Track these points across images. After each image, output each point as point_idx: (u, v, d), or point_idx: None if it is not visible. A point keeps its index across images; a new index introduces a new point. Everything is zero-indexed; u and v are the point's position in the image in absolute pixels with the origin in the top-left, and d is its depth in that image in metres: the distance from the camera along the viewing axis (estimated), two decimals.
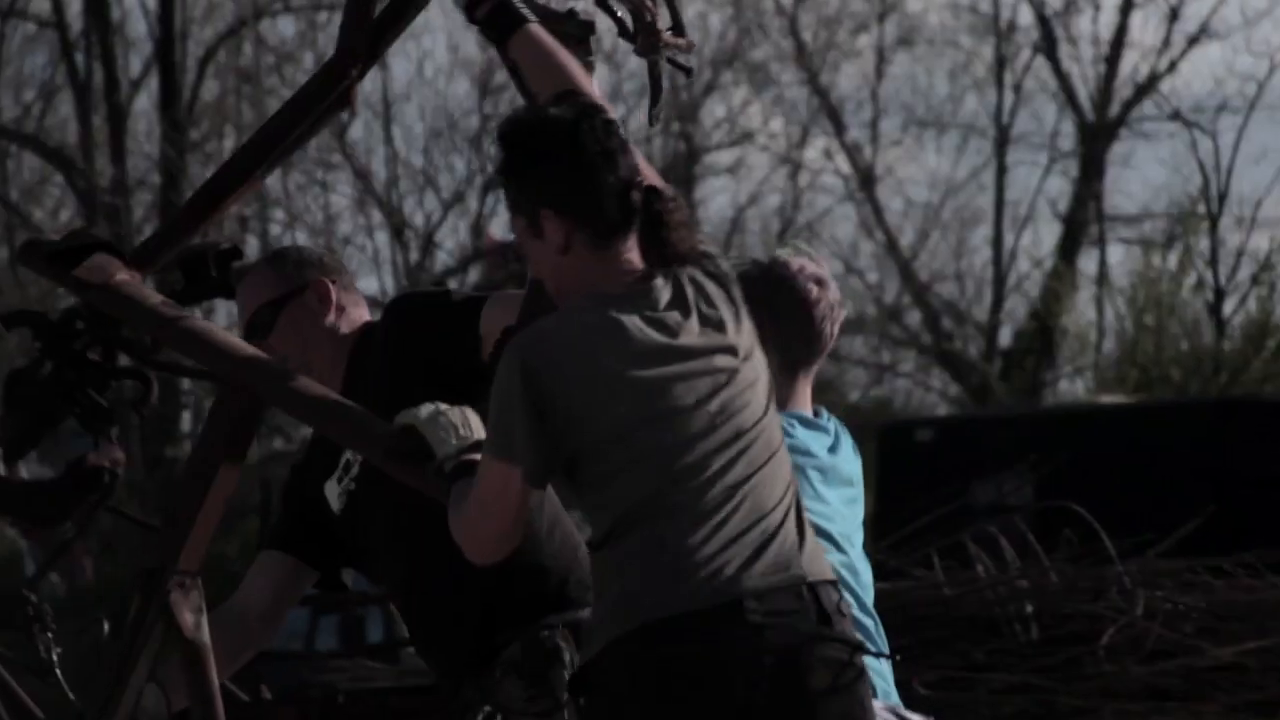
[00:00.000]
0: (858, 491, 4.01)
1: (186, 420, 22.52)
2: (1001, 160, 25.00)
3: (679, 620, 3.25)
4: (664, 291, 3.42)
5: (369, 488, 4.01)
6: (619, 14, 3.93)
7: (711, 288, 3.45)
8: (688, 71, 4.21)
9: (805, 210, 25.20)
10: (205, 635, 3.89)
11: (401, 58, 22.10)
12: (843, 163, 24.80)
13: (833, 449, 3.94)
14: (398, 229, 22.64)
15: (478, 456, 3.47)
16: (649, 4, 3.94)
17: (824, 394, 22.14)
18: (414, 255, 22.63)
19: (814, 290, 3.89)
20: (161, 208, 22.54)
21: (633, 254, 3.42)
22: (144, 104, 23.79)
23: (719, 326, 3.43)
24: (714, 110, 24.11)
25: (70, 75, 23.31)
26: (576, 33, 3.93)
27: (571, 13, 3.93)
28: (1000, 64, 24.89)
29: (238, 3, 23.24)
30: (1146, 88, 24.01)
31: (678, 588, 3.27)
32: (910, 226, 25.08)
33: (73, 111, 23.57)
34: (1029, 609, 7.42)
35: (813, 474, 3.85)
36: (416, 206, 23.00)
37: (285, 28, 26.58)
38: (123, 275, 3.96)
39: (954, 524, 8.39)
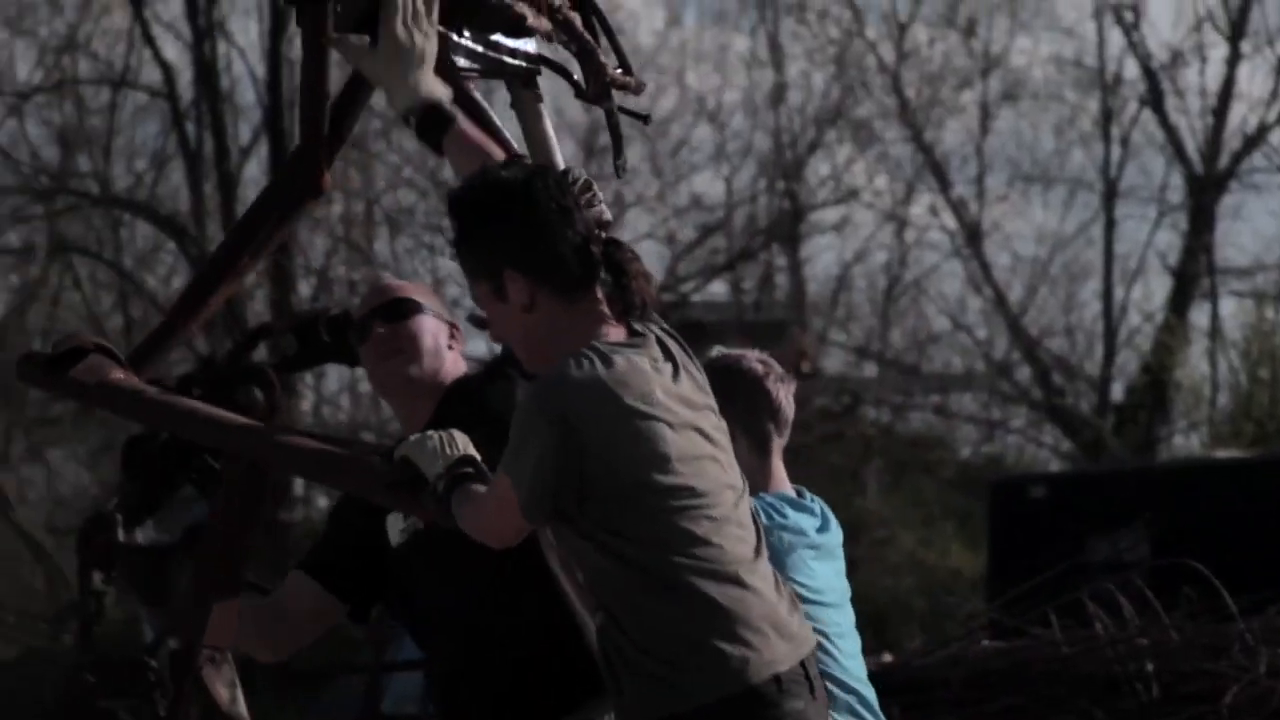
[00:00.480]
0: (843, 564, 4.18)
1: (299, 482, 22.66)
2: (1110, 214, 24.84)
3: (730, 702, 3.33)
4: (653, 345, 3.48)
5: (439, 544, 3.92)
6: (572, 74, 3.94)
7: (677, 346, 3.53)
8: (644, 119, 4.20)
9: (912, 267, 25.11)
10: (241, 708, 3.87)
11: (508, 122, 22.07)
12: (949, 219, 24.71)
13: (821, 529, 4.10)
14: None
15: (469, 470, 3.49)
16: (593, 44, 3.94)
17: (933, 450, 22.03)
18: None
19: (760, 367, 4.08)
20: (271, 273, 22.75)
21: (601, 307, 3.46)
22: (254, 171, 24.03)
23: (702, 385, 3.51)
24: (818, 168, 24.10)
25: (181, 144, 23.58)
26: (522, 74, 3.94)
27: (515, 53, 3.93)
28: (1107, 118, 24.75)
29: (344, 70, 23.43)
30: (1256, 140, 23.80)
31: (727, 664, 3.34)
32: (1018, 282, 24.94)
33: (184, 179, 23.82)
34: (1149, 667, 7.33)
35: (806, 553, 3.99)
36: None
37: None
38: (118, 374, 3.98)
39: (1069, 581, 8.31)
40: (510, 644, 3.83)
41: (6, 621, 21.92)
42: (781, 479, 4.08)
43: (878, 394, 20.26)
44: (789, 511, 4.02)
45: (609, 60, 3.93)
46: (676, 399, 3.44)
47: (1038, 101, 25.41)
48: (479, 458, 3.52)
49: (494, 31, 3.89)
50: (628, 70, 3.98)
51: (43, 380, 4.08)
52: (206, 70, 22.84)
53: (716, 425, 3.50)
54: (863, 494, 16.37)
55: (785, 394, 4.08)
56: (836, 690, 3.92)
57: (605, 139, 22.86)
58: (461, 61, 3.89)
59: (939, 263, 25.56)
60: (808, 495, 4.13)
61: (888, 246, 25.30)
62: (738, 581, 3.38)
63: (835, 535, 4.13)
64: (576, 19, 3.90)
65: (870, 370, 23.79)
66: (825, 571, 4.05)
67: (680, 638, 3.35)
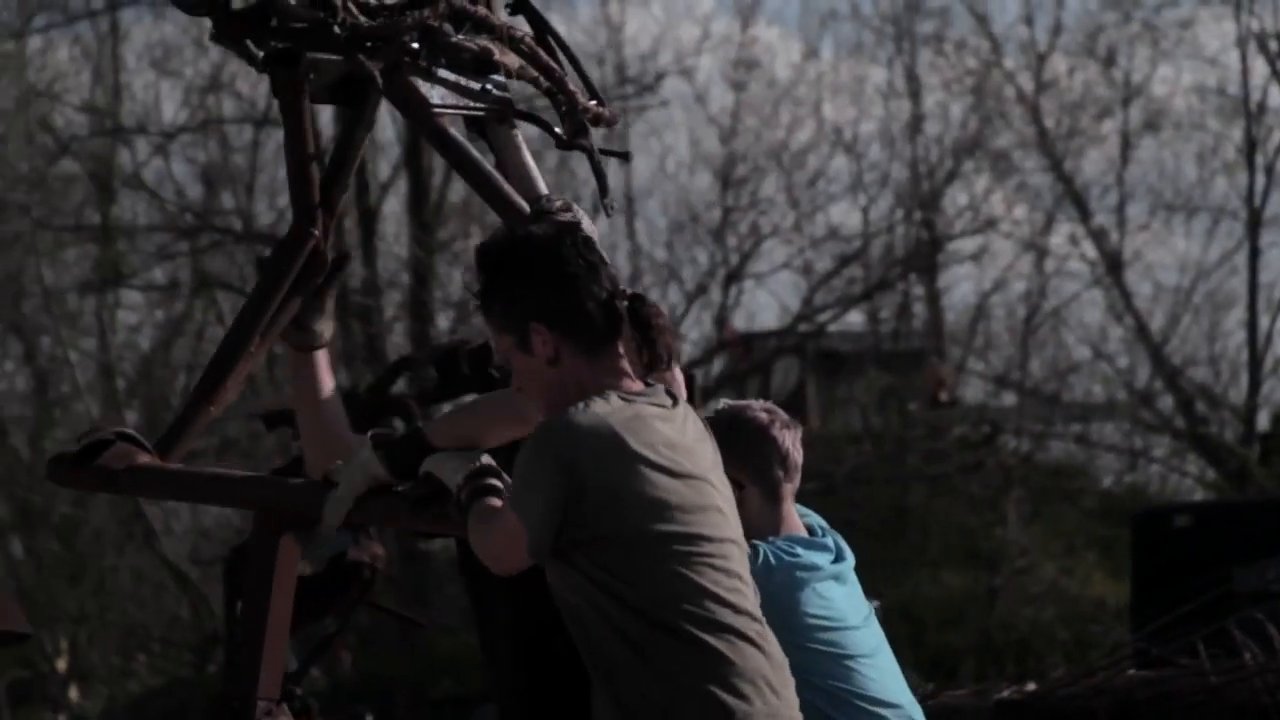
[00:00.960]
0: (859, 589, 4.26)
1: None
2: (1254, 242, 24.53)
3: None
4: (662, 394, 3.57)
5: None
6: (547, 122, 3.95)
7: (684, 402, 3.62)
8: (625, 157, 4.20)
9: (1051, 296, 24.93)
10: None
11: (645, 154, 22.20)
12: (1089, 248, 24.52)
13: (836, 560, 4.17)
14: None
15: (490, 481, 3.58)
16: (561, 73, 3.93)
17: (1074, 479, 21.84)
18: None
19: (764, 416, 4.13)
20: (411, 307, 22.91)
21: (622, 361, 3.55)
22: (393, 206, 24.25)
23: (708, 438, 3.59)
24: (956, 198, 24.01)
25: None
26: (494, 112, 3.96)
27: (485, 91, 3.94)
28: (1251, 146, 24.45)
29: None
30: None
31: (722, 714, 3.39)
32: (1160, 311, 24.69)
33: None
34: None
35: (821, 585, 4.07)
36: (660, 299, 23.12)
37: (530, 129, 26.82)
38: (144, 458, 4.00)
39: (1215, 611, 8.21)
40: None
41: (153, 650, 22.19)
42: (794, 523, 4.16)
43: (1018, 423, 20.12)
44: (800, 550, 4.10)
45: (579, 90, 3.94)
46: (683, 450, 3.51)
47: (1180, 130, 25.17)
48: (499, 470, 3.61)
49: (462, 69, 3.90)
50: (599, 101, 4.00)
51: (71, 476, 4.04)
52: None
53: (722, 479, 3.58)
54: (1003, 524, 16.25)
55: (793, 441, 4.16)
56: (877, 709, 4.03)
57: (743, 170, 22.91)
58: (435, 98, 3.92)
59: (1079, 291, 25.36)
60: (821, 530, 4.22)
61: (1027, 276, 25.15)
62: (736, 633, 3.45)
63: (850, 563, 4.22)
64: (541, 52, 3.93)
65: (1010, 399, 23.63)
66: (841, 595, 4.13)
67: (677, 686, 3.40)
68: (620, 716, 3.44)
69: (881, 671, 4.11)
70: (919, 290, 23.72)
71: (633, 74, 23.76)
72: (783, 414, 4.19)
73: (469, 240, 23.64)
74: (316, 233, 3.96)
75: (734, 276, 22.83)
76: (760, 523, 3.90)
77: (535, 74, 3.91)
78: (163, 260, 23.28)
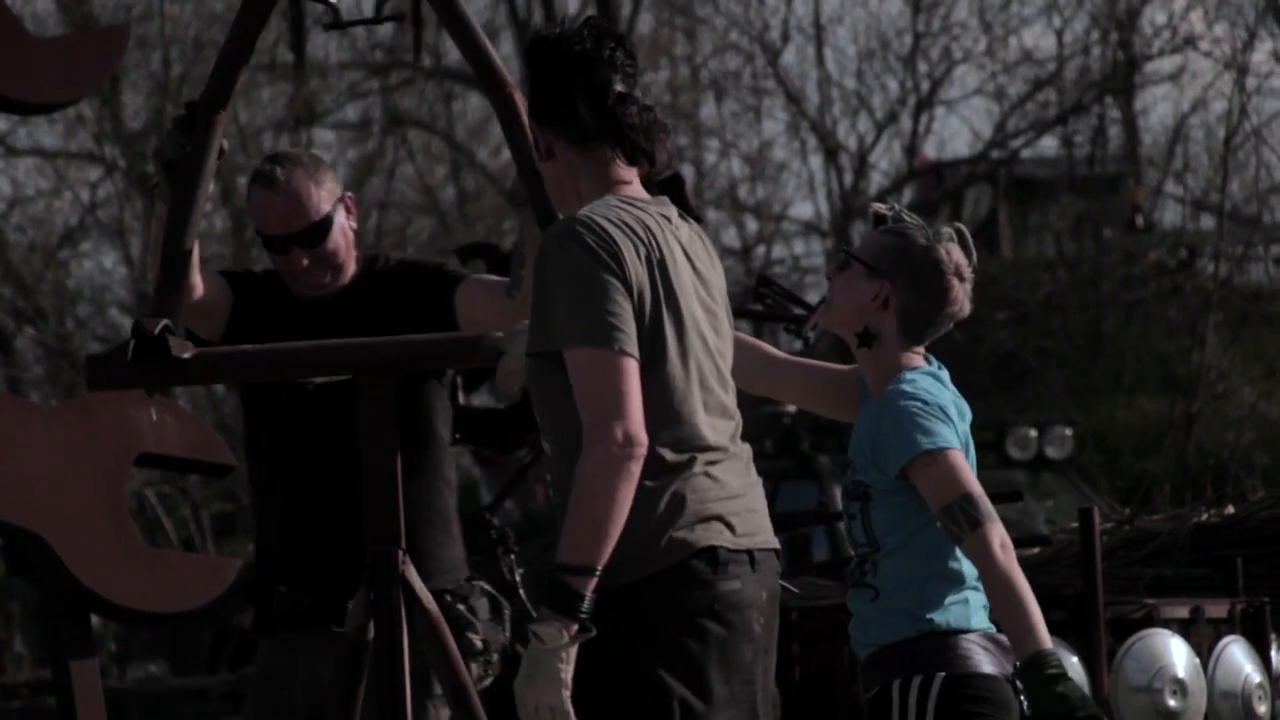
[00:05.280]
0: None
1: None
2: None
3: (657, 580, 3.45)
4: (667, 205, 3.63)
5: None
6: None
7: (690, 226, 3.66)
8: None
9: (1252, 116, 24.39)
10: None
11: None
12: None
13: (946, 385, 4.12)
14: (831, 152, 22.61)
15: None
16: None
17: (1274, 302, 21.42)
18: (848, 178, 22.59)
19: (955, 285, 4.04)
20: None
21: (618, 159, 3.61)
22: None
23: (711, 252, 3.67)
24: (1154, 17, 23.53)
25: (511, 15, 23.85)
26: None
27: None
28: None
29: None
30: None
31: (728, 532, 3.50)
32: None
33: (514, 50, 24.12)
34: None
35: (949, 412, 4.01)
36: (850, 129, 22.95)
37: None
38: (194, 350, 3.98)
39: None
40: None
41: None
42: (918, 360, 4.08)
43: (1216, 246, 19.75)
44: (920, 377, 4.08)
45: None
46: (684, 258, 3.57)
47: None
48: None
49: None
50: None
51: (126, 376, 3.93)
52: None
53: (720, 289, 3.64)
54: (1201, 348, 16.04)
55: (957, 316, 4.08)
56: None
57: None
58: None
59: None
60: (934, 361, 4.15)
61: (1226, 95, 24.62)
62: (699, 459, 3.52)
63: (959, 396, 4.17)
64: None
65: (1208, 223, 23.23)
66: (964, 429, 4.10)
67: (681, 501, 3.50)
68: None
69: None
70: (1115, 113, 23.30)
71: None
72: (968, 288, 4.09)
73: (658, 73, 23.57)
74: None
75: (925, 104, 22.56)
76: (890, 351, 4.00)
77: None
78: (354, 99, 23.46)
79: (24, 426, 4.61)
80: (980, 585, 3.94)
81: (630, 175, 3.62)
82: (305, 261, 4.53)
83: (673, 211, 3.64)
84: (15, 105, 4.55)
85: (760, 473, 3.70)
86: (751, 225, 22.97)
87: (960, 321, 4.14)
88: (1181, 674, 6.25)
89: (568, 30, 3.63)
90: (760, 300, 5.33)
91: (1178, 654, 6.27)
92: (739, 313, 4.40)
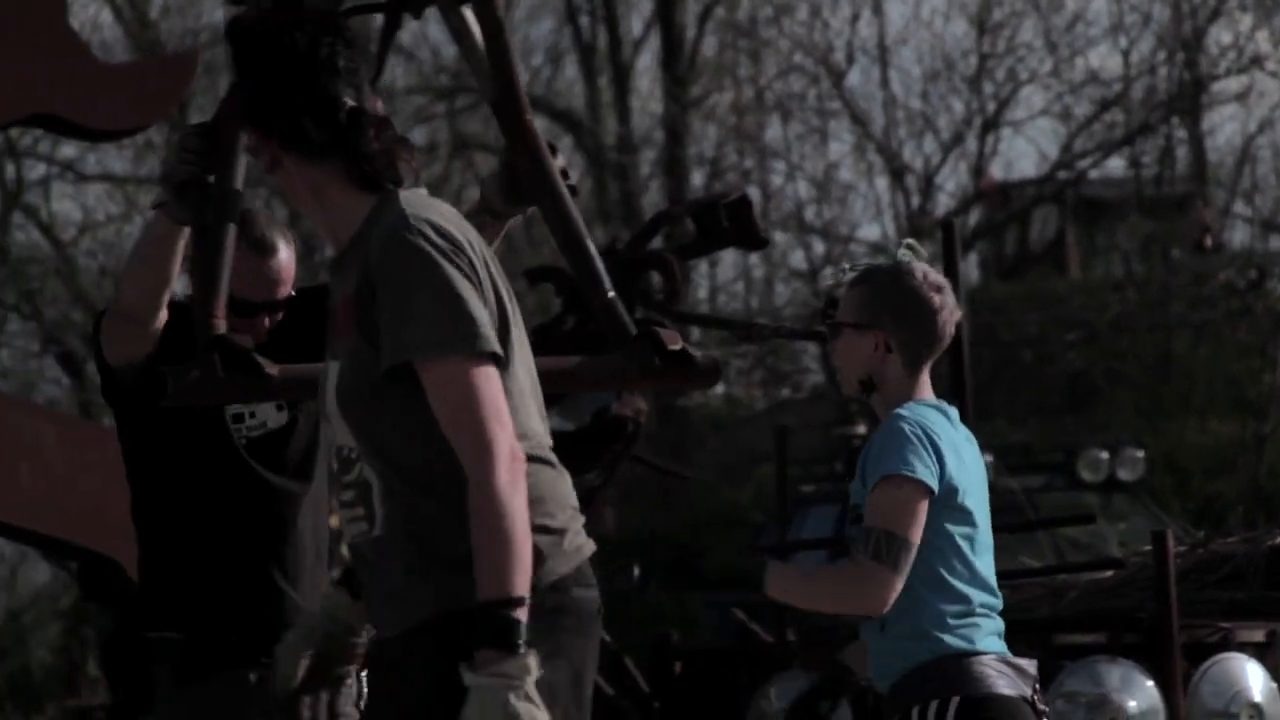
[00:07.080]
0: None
1: None
2: None
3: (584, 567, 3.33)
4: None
5: None
6: None
7: None
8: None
9: None
10: None
11: (899, 1, 21.93)
12: None
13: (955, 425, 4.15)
14: (897, 174, 22.57)
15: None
16: None
17: None
18: (914, 199, 22.54)
19: (936, 299, 4.11)
20: (666, 164, 22.94)
21: (344, 172, 3.27)
22: (646, 62, 24.25)
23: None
24: (1220, 37, 23.41)
25: (575, 38, 23.90)
26: None
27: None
28: None
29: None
30: None
31: (577, 551, 3.32)
32: None
33: (578, 73, 24.16)
34: None
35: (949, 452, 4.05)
36: (916, 150, 22.90)
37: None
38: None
39: None
40: None
41: None
42: (927, 389, 4.13)
43: None
44: (927, 411, 4.12)
45: None
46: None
47: None
48: None
49: None
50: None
51: (218, 389, 3.85)
52: None
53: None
54: (1272, 370, 15.93)
55: (950, 324, 4.13)
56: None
57: (999, 15, 22.52)
58: None
59: None
60: (943, 405, 4.19)
61: None
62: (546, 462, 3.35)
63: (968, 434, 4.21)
64: None
65: (1277, 243, 23.08)
66: (972, 453, 4.15)
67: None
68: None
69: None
70: (1182, 133, 23.17)
71: None
72: (951, 295, 4.15)
73: (723, 95, 23.57)
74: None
75: (991, 124, 22.49)
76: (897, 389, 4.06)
77: None
78: (420, 123, 23.54)
79: (97, 451, 4.62)
80: (993, 612, 3.99)
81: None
82: (266, 325, 4.36)
83: None
84: (85, 131, 4.57)
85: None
86: (818, 247, 22.93)
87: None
88: (1258, 698, 6.20)
89: (274, 18, 3.30)
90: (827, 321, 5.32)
91: (1254, 678, 6.22)
92: (808, 334, 4.36)
